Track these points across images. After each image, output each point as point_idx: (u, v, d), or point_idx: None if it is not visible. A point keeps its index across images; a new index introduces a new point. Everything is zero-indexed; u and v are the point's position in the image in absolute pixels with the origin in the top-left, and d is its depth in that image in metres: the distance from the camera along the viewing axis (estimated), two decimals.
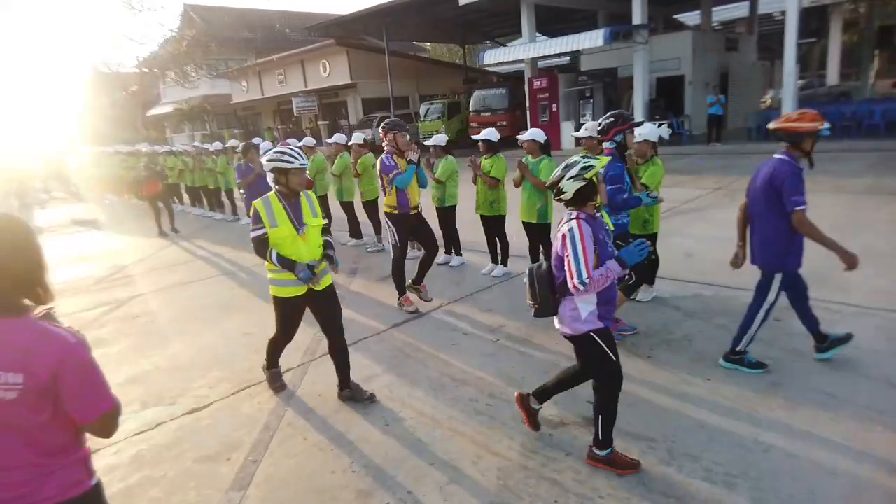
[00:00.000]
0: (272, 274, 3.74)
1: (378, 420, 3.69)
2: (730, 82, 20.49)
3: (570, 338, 2.99)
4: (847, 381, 3.65)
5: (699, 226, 7.84)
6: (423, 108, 25.98)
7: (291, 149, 3.65)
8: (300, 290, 3.69)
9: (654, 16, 23.81)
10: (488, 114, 22.89)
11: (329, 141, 8.31)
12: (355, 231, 8.47)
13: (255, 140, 10.16)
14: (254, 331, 5.34)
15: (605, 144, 4.24)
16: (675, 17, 27.60)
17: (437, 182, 6.63)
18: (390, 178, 5.22)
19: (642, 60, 16.93)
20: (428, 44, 38.82)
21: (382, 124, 5.45)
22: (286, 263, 3.58)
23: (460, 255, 7.05)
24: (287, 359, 4.34)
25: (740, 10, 24.35)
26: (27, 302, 1.63)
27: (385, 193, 5.41)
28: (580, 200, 2.84)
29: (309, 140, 9.48)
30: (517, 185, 5.64)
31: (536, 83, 19.40)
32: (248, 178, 8.19)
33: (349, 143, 7.83)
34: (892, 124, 15.01)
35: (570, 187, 2.82)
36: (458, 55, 42.11)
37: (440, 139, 6.90)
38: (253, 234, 3.64)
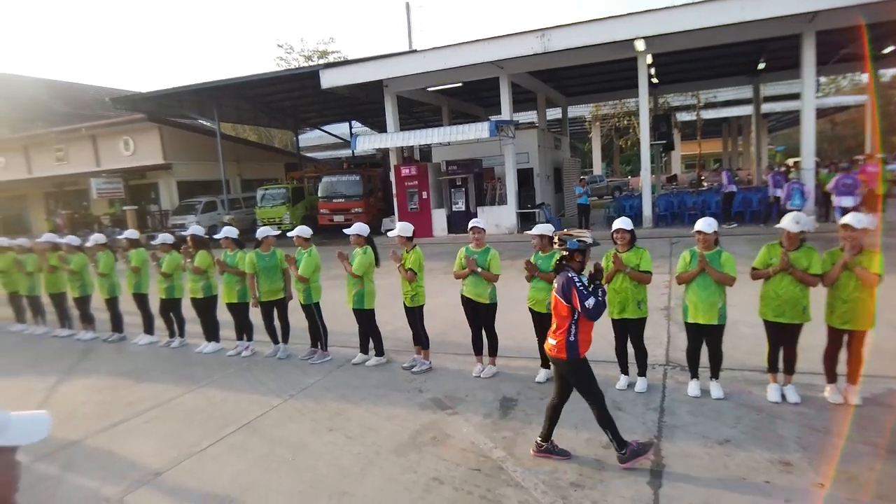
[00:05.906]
0: None
1: None
2: (563, 175, 23.17)
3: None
4: None
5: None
6: (259, 194, 23.73)
7: None
8: None
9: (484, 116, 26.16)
10: (342, 200, 21.94)
11: (265, 233, 7.17)
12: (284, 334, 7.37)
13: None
14: None
15: None
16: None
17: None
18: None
19: (511, 153, 18.10)
20: (248, 126, 36.34)
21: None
22: None
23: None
24: None
25: (556, 113, 28.12)
26: None
27: None
28: None
29: (131, 232, 8.61)
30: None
31: (405, 171, 19.29)
32: None
33: (295, 236, 6.80)
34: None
35: None
36: (271, 139, 40.46)
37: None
38: None
